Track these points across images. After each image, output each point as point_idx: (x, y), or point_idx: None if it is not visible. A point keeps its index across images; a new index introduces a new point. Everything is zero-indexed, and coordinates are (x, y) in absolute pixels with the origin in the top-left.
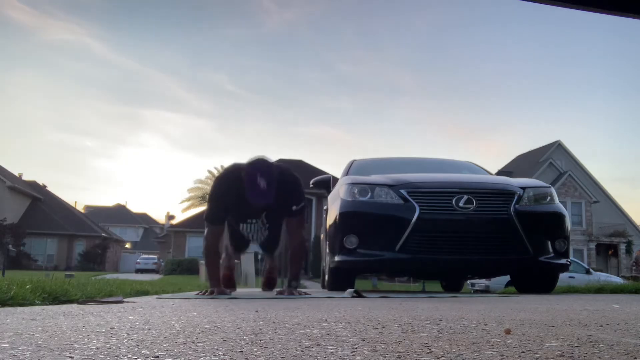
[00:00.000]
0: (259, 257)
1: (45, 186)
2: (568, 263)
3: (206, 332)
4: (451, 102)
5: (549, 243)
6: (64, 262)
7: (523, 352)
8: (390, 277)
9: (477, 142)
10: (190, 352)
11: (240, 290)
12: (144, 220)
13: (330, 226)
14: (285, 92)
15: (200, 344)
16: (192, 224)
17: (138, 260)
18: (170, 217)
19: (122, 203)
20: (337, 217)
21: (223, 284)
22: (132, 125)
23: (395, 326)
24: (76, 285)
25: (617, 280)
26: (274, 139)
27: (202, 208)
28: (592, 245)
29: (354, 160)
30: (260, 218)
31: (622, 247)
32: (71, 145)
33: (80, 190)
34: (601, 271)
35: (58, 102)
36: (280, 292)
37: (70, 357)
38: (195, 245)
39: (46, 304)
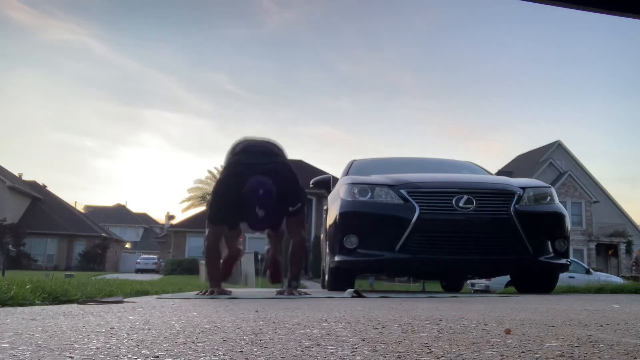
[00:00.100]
0: (259, 257)
1: (45, 186)
2: (568, 263)
3: (206, 332)
4: (451, 102)
5: (549, 243)
6: (64, 262)
7: (523, 352)
8: (390, 277)
9: (477, 142)
10: (190, 352)
11: (240, 290)
12: (144, 220)
13: (330, 226)
14: (285, 92)
15: (200, 344)
16: (192, 224)
17: (138, 260)
18: (170, 217)
19: (122, 203)
20: (337, 217)
21: (223, 270)
22: (132, 125)
23: (395, 326)
24: (76, 285)
25: (617, 280)
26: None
27: (202, 208)
28: (592, 245)
29: (354, 160)
30: None
31: (622, 247)
32: (71, 145)
33: (80, 190)
34: (601, 271)
35: (58, 102)
36: (280, 292)
37: (70, 357)
38: (195, 245)
39: (46, 304)
